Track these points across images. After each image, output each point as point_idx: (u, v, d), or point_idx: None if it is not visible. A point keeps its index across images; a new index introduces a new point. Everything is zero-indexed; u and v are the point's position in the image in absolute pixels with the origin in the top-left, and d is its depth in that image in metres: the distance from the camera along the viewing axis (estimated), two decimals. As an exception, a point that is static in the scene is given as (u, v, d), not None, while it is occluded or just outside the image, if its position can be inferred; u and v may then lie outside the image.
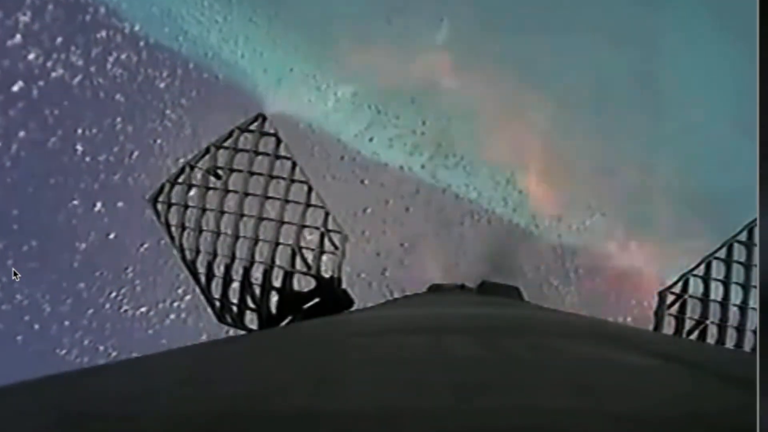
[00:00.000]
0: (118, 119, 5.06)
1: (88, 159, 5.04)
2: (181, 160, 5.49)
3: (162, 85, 5.16)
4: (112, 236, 5.23)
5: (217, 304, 2.15)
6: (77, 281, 5.13)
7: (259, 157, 2.15)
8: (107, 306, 5.24)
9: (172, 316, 5.30)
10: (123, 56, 4.95)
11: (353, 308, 2.20)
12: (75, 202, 5.04)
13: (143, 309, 5.30)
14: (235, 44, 5.21)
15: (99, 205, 5.15)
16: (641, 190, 4.50)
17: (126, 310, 5.28)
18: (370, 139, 4.90)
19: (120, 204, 5.24)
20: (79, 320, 5.13)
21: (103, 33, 4.94)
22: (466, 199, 4.65)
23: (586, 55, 4.51)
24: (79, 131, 4.99)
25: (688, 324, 2.15)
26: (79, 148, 5.02)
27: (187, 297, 5.34)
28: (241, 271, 2.12)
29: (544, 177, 4.62)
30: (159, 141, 5.30)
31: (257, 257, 2.10)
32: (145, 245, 5.31)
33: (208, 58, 5.21)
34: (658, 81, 4.51)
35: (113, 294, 5.24)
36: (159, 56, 5.03)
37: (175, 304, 5.34)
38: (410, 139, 4.78)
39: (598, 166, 4.53)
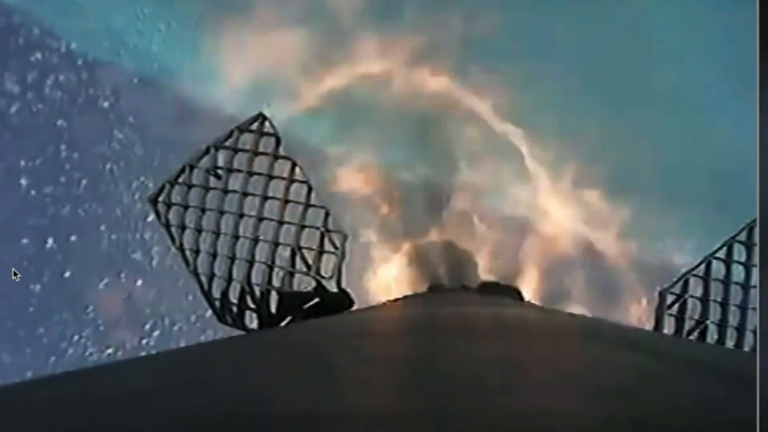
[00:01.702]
0: (62, 146, 5.18)
1: (33, 192, 5.15)
2: (135, 184, 5.72)
3: (106, 104, 5.35)
4: (67, 274, 5.35)
5: (217, 304, 2.40)
6: (35, 327, 5.23)
7: (259, 157, 2.41)
8: (70, 351, 5.31)
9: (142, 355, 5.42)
10: (61, 77, 5.10)
11: (353, 308, 2.42)
12: (24, 241, 5.18)
13: (110, 351, 5.39)
14: (181, 52, 5.42)
15: (50, 241, 5.28)
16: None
17: (91, 354, 5.38)
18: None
19: (73, 238, 5.37)
20: (41, 368, 5.20)
21: (38, 55, 5.06)
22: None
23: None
24: (22, 163, 5.10)
25: (688, 324, 2.34)
26: (24, 181, 5.11)
27: (156, 333, 5.48)
28: (241, 271, 2.37)
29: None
30: (108, 165, 5.48)
31: (257, 257, 2.36)
32: (105, 281, 5.44)
33: (154, 69, 5.41)
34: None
35: (75, 337, 5.32)
36: (100, 73, 5.23)
37: (144, 342, 5.45)
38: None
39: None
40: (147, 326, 5.45)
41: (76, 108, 5.28)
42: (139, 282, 5.50)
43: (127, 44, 5.31)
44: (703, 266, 2.36)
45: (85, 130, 5.36)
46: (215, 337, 5.41)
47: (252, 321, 2.41)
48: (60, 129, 5.27)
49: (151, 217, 5.78)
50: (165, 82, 5.47)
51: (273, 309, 2.38)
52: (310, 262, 2.39)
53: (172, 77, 5.47)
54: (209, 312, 5.95)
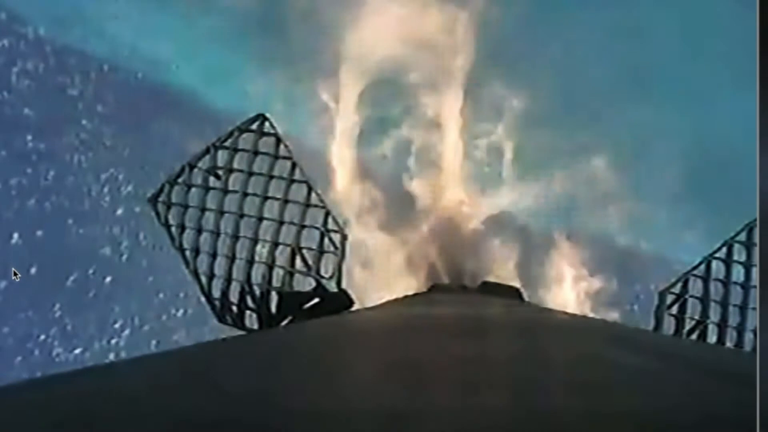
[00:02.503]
0: (29, 137, 5.22)
1: (-1, 185, 5.23)
2: (104, 176, 5.75)
3: (75, 92, 5.37)
4: (33, 270, 5.38)
5: (218, 304, 2.52)
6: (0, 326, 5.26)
7: (259, 157, 2.53)
8: (36, 352, 5.29)
9: (111, 356, 5.34)
10: (29, 65, 5.12)
11: (353, 308, 2.54)
12: (-12, 235, 5.20)
13: (77, 351, 5.41)
14: (154, 39, 5.45)
15: (16, 236, 5.27)
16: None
17: (58, 354, 5.39)
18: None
19: (39, 233, 5.38)
20: (6, 371, 5.15)
21: (5, 41, 5.09)
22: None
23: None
24: (-14, 154, 5.17)
25: (688, 324, 2.42)
26: (-12, 173, 5.20)
27: (126, 332, 5.52)
28: (241, 271, 2.49)
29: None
30: (76, 156, 5.49)
31: (257, 257, 2.48)
32: (72, 277, 5.46)
33: (125, 56, 5.44)
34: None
35: (42, 337, 5.28)
36: (69, 61, 5.23)
37: (113, 342, 5.46)
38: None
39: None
40: (117, 325, 5.47)
41: (44, 97, 5.30)
42: (108, 279, 5.54)
43: (97, 30, 5.33)
44: (703, 266, 2.46)
45: (53, 120, 5.37)
46: (187, 336, 5.49)
47: (252, 321, 2.52)
48: (26, 118, 5.28)
49: (121, 211, 5.84)
50: (136, 69, 5.49)
51: (273, 309, 2.50)
52: (310, 262, 2.51)
53: (143, 64, 5.49)
54: (181, 311, 6.02)
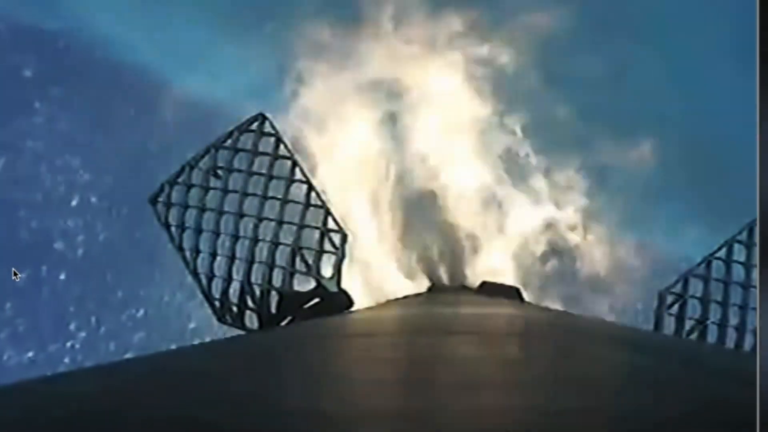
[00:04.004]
0: (-23, 121, 5.20)
1: (-57, 174, 5.13)
2: (59, 163, 5.68)
3: (28, 73, 5.32)
4: (-18, 267, 5.31)
5: (218, 304, 2.66)
6: (-54, 329, 5.17)
7: (259, 157, 2.68)
8: None
9: (67, 360, 5.33)
10: (-21, 44, 5.09)
11: (353, 308, 2.68)
12: (-68, 230, 5.11)
13: (30, 354, 5.37)
14: (114, 14, 5.39)
15: (-39, 230, 5.24)
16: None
17: (9, 357, 5.33)
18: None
19: (-12, 225, 5.34)
20: None
21: None
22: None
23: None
24: (-69, 141, 5.07)
25: (688, 324, 2.56)
26: (-68, 161, 5.09)
27: (82, 334, 5.49)
28: (241, 271, 2.62)
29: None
30: (29, 142, 5.43)
31: (257, 257, 2.63)
32: (23, 274, 5.41)
33: (83, 33, 5.38)
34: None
35: None
36: (23, 38, 5.18)
37: (69, 344, 5.43)
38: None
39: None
40: (72, 326, 5.43)
41: (-6, 77, 5.23)
42: (63, 276, 5.48)
43: (54, 6, 5.27)
44: (703, 266, 2.60)
45: (4, 103, 5.31)
46: (149, 338, 5.49)
47: (252, 321, 2.66)
48: (-26, 101, 5.21)
49: (76, 201, 5.79)
50: (95, 46, 5.44)
51: (273, 309, 2.65)
52: (310, 262, 2.66)
53: (102, 41, 5.44)
54: (141, 311, 6.01)
